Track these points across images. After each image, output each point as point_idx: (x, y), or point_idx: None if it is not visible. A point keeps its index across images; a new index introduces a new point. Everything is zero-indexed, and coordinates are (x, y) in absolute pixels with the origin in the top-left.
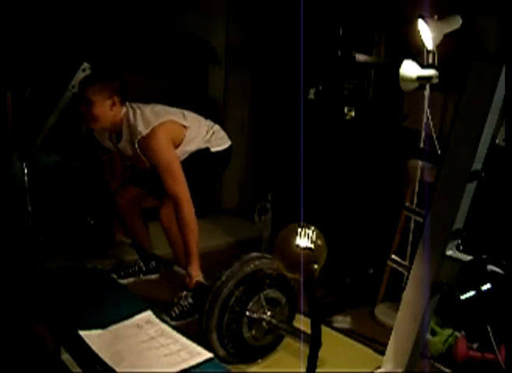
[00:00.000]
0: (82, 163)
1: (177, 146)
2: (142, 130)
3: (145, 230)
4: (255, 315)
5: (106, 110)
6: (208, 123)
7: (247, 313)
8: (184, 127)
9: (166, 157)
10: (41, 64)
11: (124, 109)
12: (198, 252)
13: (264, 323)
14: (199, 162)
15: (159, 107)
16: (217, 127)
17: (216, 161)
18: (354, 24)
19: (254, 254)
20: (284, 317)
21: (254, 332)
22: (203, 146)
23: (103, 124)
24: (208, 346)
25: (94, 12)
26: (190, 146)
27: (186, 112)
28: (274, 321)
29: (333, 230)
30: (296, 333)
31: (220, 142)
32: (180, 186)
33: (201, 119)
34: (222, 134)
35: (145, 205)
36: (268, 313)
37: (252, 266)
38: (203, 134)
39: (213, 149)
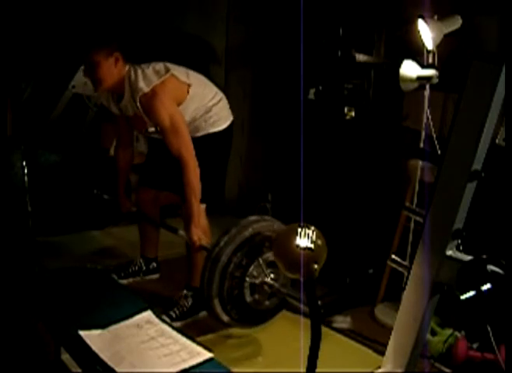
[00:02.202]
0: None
1: (179, 104)
2: (143, 87)
3: (157, 230)
4: (256, 280)
5: (111, 68)
6: (216, 89)
7: (248, 278)
8: (187, 85)
9: (168, 115)
10: (41, 64)
11: (126, 68)
12: (200, 216)
13: (266, 287)
14: (205, 148)
15: (161, 65)
16: (224, 98)
17: (221, 141)
18: (354, 24)
19: (253, 218)
20: (288, 279)
21: (256, 296)
22: (207, 116)
23: (109, 84)
24: (211, 313)
25: (94, 12)
26: (193, 104)
27: (191, 72)
28: (276, 284)
29: (333, 230)
30: (298, 297)
31: (225, 114)
32: (184, 144)
33: (209, 83)
34: (227, 106)
35: (163, 202)
36: (270, 276)
37: (250, 229)
38: (208, 96)
39: (216, 129)
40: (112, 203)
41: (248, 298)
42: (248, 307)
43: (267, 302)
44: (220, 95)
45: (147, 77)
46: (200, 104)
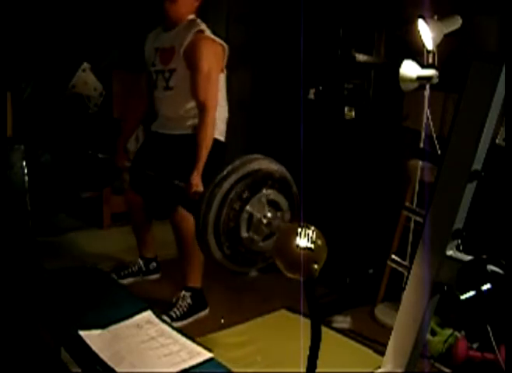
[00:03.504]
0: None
1: None
2: (205, 29)
3: (150, 231)
4: (255, 214)
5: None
6: (226, 105)
7: (248, 207)
8: (223, 69)
9: (209, 63)
10: (41, 64)
11: (193, 16)
12: (203, 164)
13: (263, 226)
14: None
15: None
16: (226, 119)
17: (214, 150)
18: (354, 24)
19: (257, 155)
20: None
21: (252, 233)
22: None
23: (178, 9)
24: (203, 243)
25: (94, 12)
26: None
27: None
28: (274, 223)
29: (333, 230)
30: None
31: (221, 129)
32: (212, 93)
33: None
34: (225, 128)
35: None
36: (269, 215)
37: (255, 164)
38: (225, 101)
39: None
40: (107, 163)
41: (244, 234)
42: (242, 243)
43: (261, 243)
44: (227, 113)
45: (208, 30)
46: (220, 99)
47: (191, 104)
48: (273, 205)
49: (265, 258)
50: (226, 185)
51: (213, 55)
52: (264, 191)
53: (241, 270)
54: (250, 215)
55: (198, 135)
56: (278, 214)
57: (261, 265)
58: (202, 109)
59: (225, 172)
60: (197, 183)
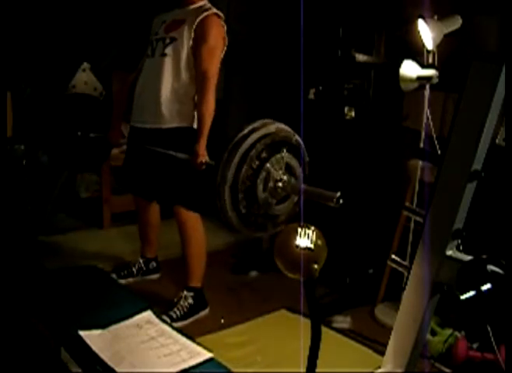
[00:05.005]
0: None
1: None
2: (218, 12)
3: (155, 231)
4: (272, 173)
5: None
6: None
7: (267, 166)
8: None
9: (216, 41)
10: (41, 64)
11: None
12: (207, 133)
13: (279, 187)
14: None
15: None
16: None
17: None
18: (354, 24)
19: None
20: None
21: (268, 194)
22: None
23: None
24: (220, 204)
25: (94, 12)
26: None
27: None
28: (290, 185)
29: (333, 230)
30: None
31: None
32: (213, 66)
33: None
34: None
35: None
36: (285, 177)
37: (275, 126)
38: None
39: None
40: (100, 141)
41: (260, 194)
42: (258, 203)
43: (275, 206)
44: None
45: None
46: None
47: (184, 78)
48: (288, 170)
49: (276, 223)
50: (248, 142)
51: (221, 37)
52: (282, 153)
53: (251, 233)
54: (268, 175)
55: (200, 104)
56: (293, 180)
57: (272, 230)
58: (203, 79)
59: (246, 132)
60: (203, 152)
